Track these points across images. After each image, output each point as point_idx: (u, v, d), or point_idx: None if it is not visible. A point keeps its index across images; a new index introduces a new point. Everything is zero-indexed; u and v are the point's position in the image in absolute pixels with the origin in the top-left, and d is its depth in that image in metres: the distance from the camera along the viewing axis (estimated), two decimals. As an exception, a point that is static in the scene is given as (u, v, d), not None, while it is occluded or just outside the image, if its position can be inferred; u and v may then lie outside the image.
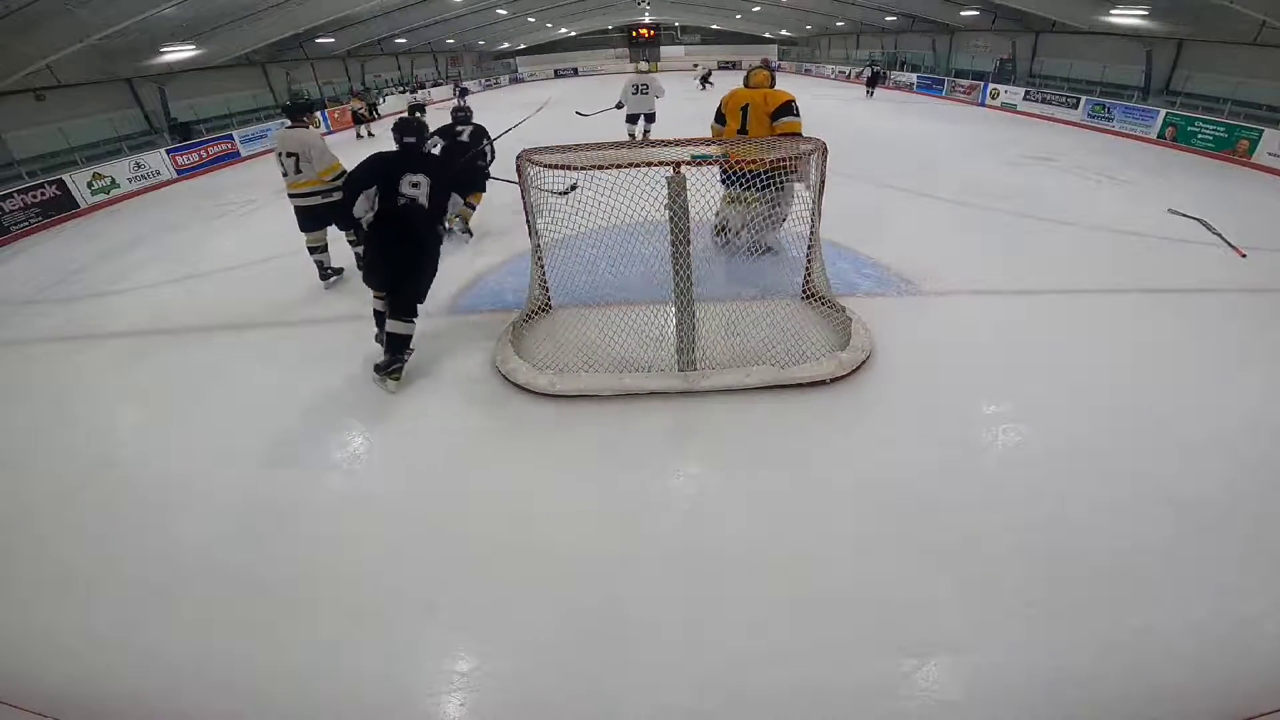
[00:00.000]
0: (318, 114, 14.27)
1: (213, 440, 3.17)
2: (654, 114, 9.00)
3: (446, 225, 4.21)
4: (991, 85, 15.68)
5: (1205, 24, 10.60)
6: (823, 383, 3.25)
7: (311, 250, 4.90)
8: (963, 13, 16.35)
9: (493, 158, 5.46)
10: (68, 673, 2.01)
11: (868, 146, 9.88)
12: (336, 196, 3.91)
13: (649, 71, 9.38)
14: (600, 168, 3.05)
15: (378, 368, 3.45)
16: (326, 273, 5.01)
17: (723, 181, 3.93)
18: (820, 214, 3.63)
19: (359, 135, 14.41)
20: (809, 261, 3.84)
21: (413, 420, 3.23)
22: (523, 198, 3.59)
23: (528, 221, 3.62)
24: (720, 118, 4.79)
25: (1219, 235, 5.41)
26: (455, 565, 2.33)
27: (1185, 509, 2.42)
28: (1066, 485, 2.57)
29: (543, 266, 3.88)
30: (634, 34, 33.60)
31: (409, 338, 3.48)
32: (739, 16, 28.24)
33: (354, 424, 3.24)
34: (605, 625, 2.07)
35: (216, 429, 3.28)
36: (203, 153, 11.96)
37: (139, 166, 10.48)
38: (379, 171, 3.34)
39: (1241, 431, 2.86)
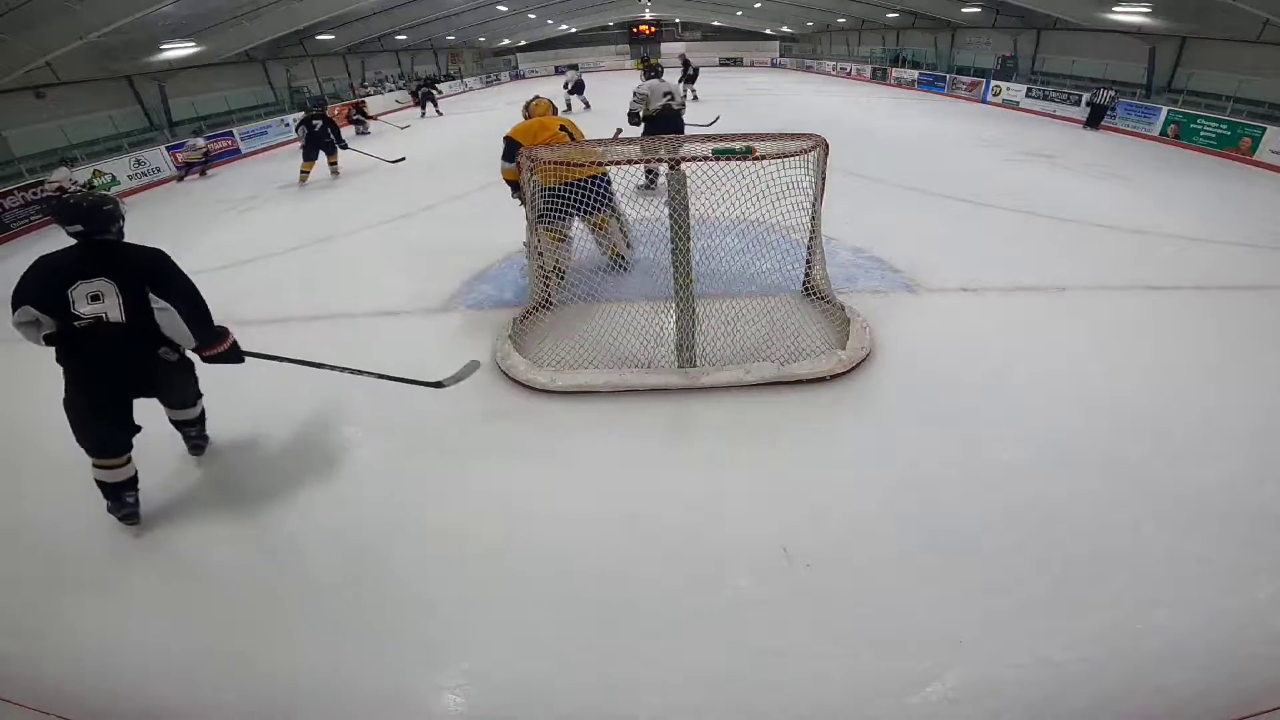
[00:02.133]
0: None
1: (210, 438, 3.16)
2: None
3: None
4: (993, 82, 15.62)
5: (1208, 21, 10.56)
6: (823, 380, 3.25)
7: None
8: (964, 10, 16.27)
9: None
10: (67, 670, 2.00)
11: (869, 144, 9.84)
12: None
13: None
14: (600, 165, 3.04)
15: None
16: None
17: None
18: (821, 211, 3.61)
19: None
20: (810, 258, 3.83)
21: (411, 417, 3.22)
22: (522, 192, 3.59)
23: (526, 217, 3.61)
24: None
25: None
26: (454, 563, 2.33)
27: (1185, 508, 2.41)
28: (1067, 484, 2.56)
29: (542, 263, 3.87)
30: (634, 30, 33.70)
31: None
32: (739, 13, 28.11)
33: (351, 421, 3.24)
34: (606, 624, 2.07)
35: (214, 427, 3.27)
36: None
37: (139, 163, 10.47)
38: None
39: (1242, 431, 2.85)
